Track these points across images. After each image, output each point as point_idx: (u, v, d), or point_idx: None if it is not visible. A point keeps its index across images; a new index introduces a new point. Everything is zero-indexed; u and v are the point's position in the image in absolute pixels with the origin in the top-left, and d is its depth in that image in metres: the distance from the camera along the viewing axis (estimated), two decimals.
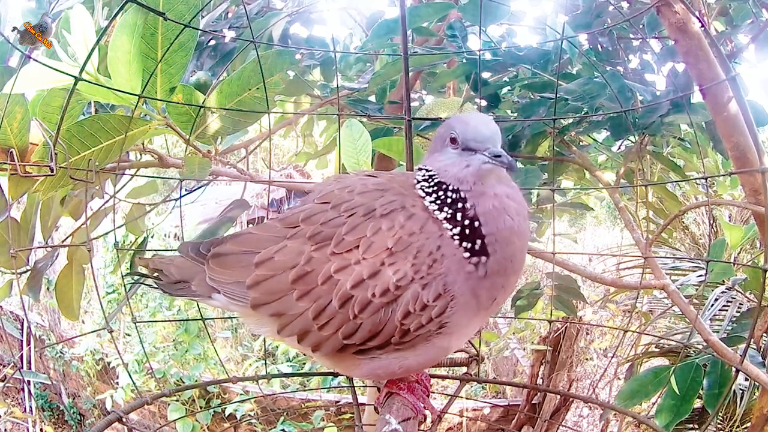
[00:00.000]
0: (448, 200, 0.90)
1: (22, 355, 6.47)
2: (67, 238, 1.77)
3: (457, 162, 0.91)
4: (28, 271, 1.59)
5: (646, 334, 3.23)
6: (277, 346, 6.35)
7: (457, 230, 0.89)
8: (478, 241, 0.88)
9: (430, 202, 0.92)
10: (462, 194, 0.90)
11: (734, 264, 2.44)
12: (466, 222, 0.88)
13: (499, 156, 0.87)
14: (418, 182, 0.95)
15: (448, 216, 0.90)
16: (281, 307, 0.94)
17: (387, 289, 0.88)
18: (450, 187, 0.91)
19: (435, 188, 0.92)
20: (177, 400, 5.87)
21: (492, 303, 0.93)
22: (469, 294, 0.89)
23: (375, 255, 0.89)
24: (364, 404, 1.44)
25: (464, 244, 0.88)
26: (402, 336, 0.90)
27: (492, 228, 0.88)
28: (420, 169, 0.96)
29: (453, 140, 0.92)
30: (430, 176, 0.93)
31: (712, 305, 2.66)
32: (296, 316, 0.93)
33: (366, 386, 2.19)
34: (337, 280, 0.90)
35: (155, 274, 1.13)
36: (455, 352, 1.42)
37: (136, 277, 1.26)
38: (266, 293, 0.95)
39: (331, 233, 0.92)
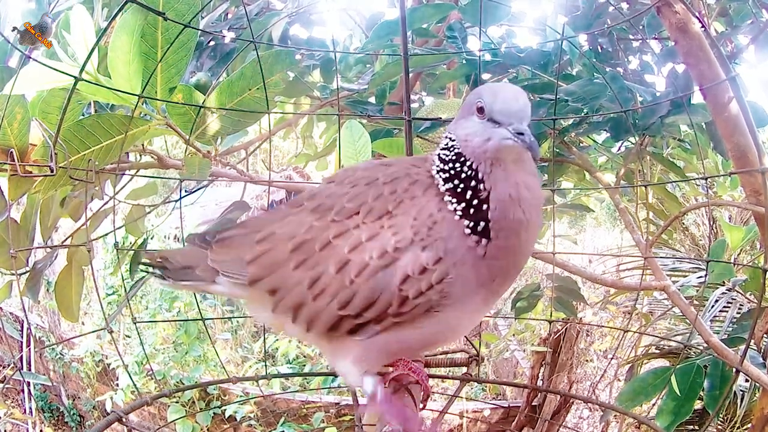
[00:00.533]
0: (463, 175, 0.87)
1: (21, 356, 6.46)
2: (66, 238, 1.77)
3: (479, 132, 0.87)
4: (27, 271, 1.59)
5: (646, 335, 3.23)
6: (277, 348, 6.34)
7: (461, 206, 0.86)
8: (482, 223, 0.85)
9: (439, 170, 0.89)
10: (480, 175, 0.86)
11: (734, 265, 2.43)
12: (475, 202, 0.86)
13: (522, 134, 0.83)
14: (442, 148, 0.92)
15: (458, 190, 0.87)
16: (277, 281, 0.93)
17: (385, 251, 0.85)
18: (468, 163, 0.88)
19: (454, 158, 0.89)
20: (177, 402, 5.86)
21: (492, 282, 0.90)
22: (470, 266, 0.86)
23: (375, 219, 0.87)
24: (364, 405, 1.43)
25: (466, 221, 0.86)
26: (400, 305, 0.86)
27: (500, 216, 0.85)
28: (445, 137, 0.93)
29: (480, 110, 0.87)
30: (452, 145, 0.90)
31: (713, 306, 2.66)
32: (292, 288, 0.91)
33: None
34: (336, 245, 0.88)
35: (161, 262, 1.11)
36: (455, 352, 1.42)
37: (141, 268, 1.23)
38: (264, 267, 0.94)
39: (333, 203, 0.92)
